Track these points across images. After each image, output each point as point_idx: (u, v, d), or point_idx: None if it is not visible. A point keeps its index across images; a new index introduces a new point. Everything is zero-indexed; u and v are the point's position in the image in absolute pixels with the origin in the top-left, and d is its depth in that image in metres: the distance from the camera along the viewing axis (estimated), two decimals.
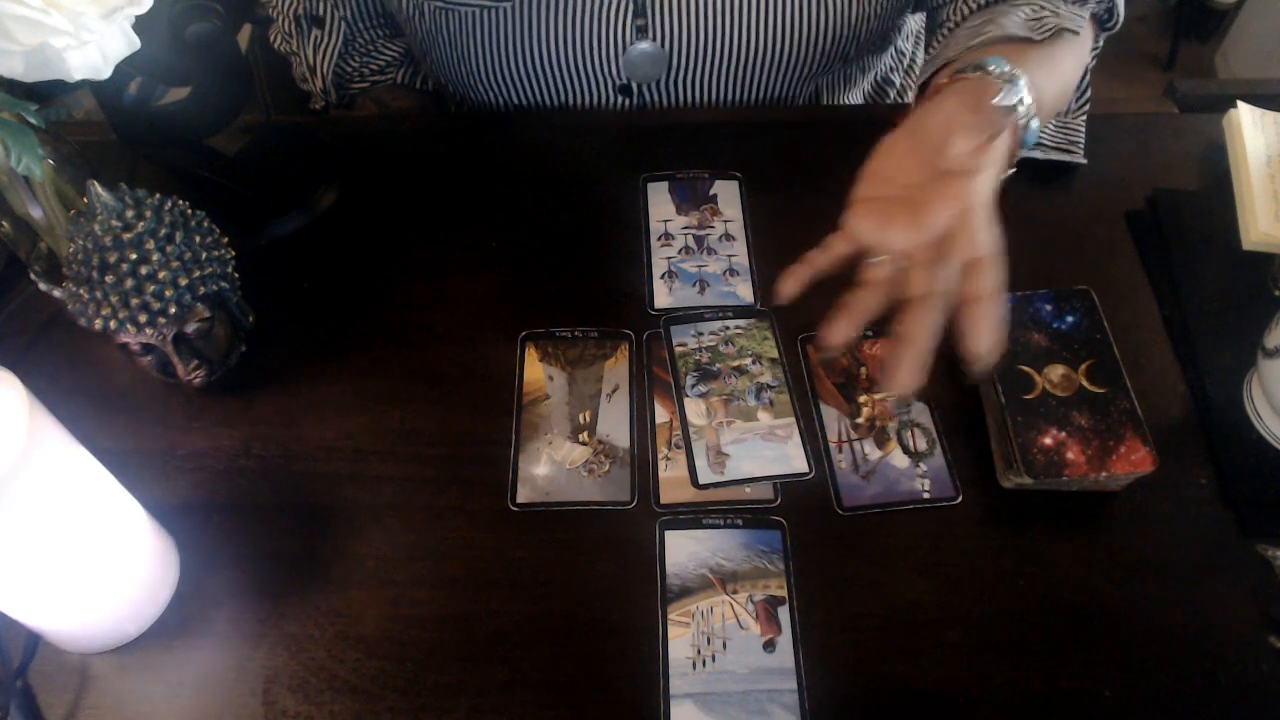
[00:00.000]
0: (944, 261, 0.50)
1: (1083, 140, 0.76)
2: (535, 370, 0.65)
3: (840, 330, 0.53)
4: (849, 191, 0.56)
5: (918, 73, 0.97)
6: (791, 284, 0.55)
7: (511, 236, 0.72)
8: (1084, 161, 0.75)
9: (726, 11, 0.75)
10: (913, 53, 0.94)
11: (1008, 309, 0.62)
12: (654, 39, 0.76)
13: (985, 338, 0.49)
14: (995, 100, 0.56)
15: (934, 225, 0.51)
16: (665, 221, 0.73)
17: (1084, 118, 0.77)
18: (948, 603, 0.55)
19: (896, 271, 0.53)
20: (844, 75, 0.85)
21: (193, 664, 0.54)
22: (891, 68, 0.92)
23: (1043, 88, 0.60)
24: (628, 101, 0.82)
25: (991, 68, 0.58)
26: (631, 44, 0.76)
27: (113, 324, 0.55)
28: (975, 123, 0.55)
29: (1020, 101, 0.57)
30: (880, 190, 0.55)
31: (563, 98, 0.81)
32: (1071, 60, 0.68)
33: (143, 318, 0.55)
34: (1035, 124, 0.59)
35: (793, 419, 0.62)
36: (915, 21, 0.91)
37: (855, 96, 0.90)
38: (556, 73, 0.79)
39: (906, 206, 0.52)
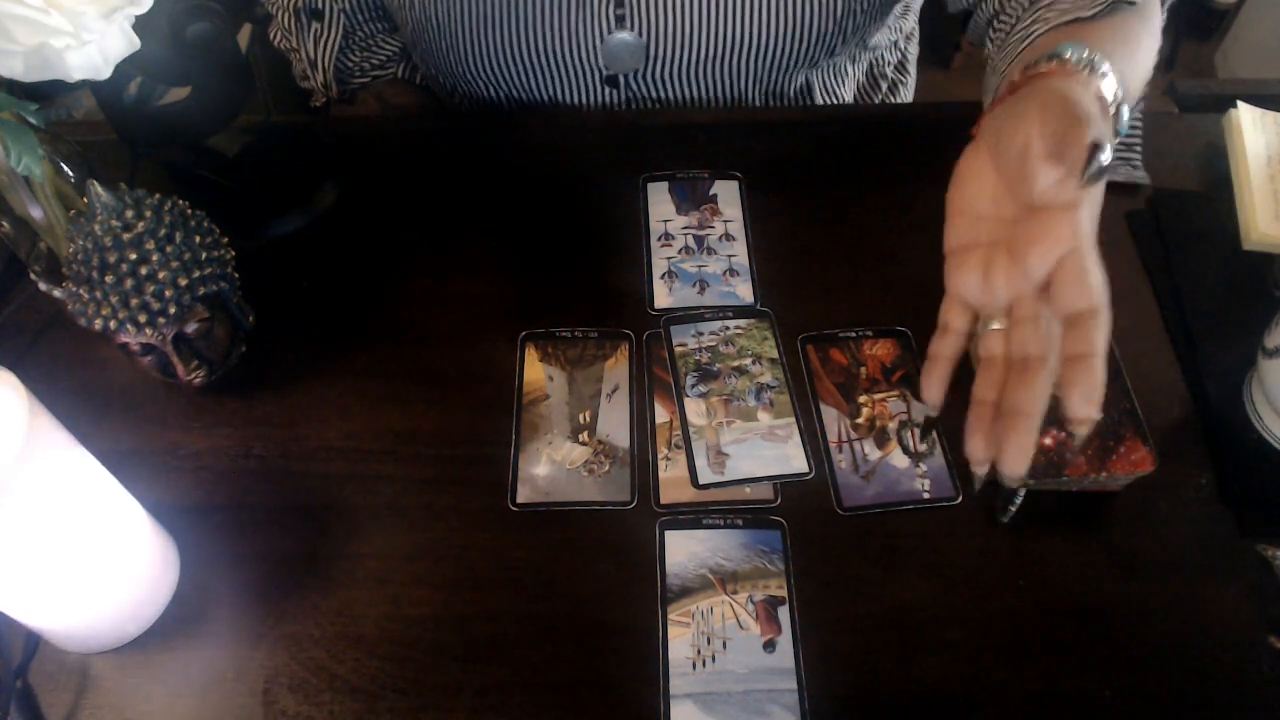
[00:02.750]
0: (1050, 313, 0.45)
1: (1140, 152, 0.73)
2: (535, 370, 0.65)
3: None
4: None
5: (912, 69, 0.97)
6: (936, 388, 0.49)
7: (511, 236, 0.72)
8: (1146, 180, 0.72)
9: (707, 3, 0.75)
10: (905, 47, 0.94)
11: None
12: (633, 29, 0.76)
13: (1090, 399, 0.43)
14: (1082, 89, 0.49)
15: (1038, 270, 0.45)
16: (665, 221, 0.73)
17: (1139, 122, 0.74)
18: (948, 603, 0.55)
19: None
20: (834, 68, 0.85)
21: (193, 664, 0.54)
22: (885, 61, 0.92)
23: (1125, 69, 0.53)
24: (614, 93, 0.82)
25: (1069, 54, 0.50)
26: (610, 33, 0.76)
27: (113, 324, 0.55)
28: (1061, 132, 0.45)
29: (1107, 86, 0.50)
30: (972, 233, 0.49)
31: (549, 88, 0.81)
32: (1145, 36, 0.61)
33: (143, 318, 0.55)
34: (1126, 111, 0.51)
35: (793, 419, 0.62)
36: (909, 21, 0.91)
37: (847, 89, 0.90)
38: (540, 62, 0.79)
39: (1004, 251, 0.46)
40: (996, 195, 0.49)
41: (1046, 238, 0.45)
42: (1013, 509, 0.54)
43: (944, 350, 0.49)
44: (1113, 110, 0.50)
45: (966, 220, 0.49)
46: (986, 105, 0.56)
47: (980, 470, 0.45)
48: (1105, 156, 0.44)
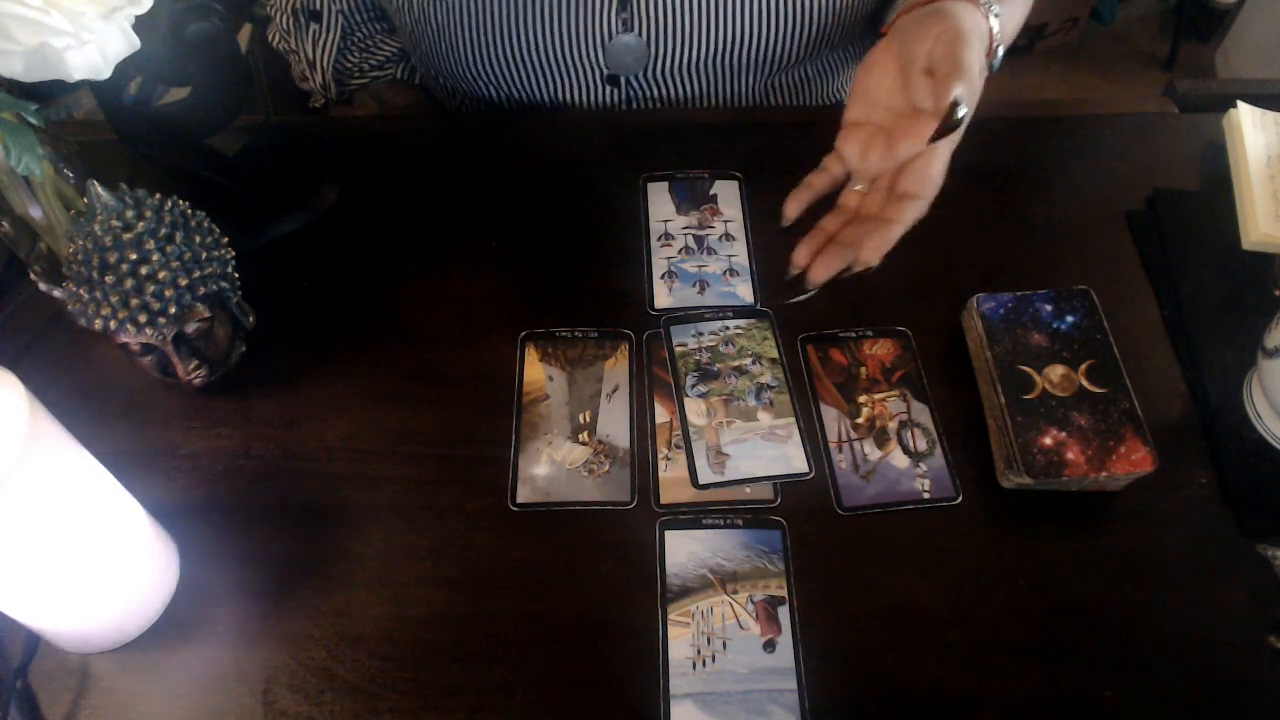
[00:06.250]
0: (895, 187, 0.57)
1: None
2: (535, 370, 0.65)
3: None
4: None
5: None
6: (794, 206, 0.61)
7: (511, 236, 0.72)
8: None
9: (710, 4, 0.75)
10: None
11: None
12: (637, 31, 0.76)
13: (877, 251, 0.57)
14: (976, 22, 0.58)
15: (902, 157, 0.57)
16: (665, 221, 0.73)
17: None
18: (948, 603, 0.55)
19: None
20: (830, 62, 0.86)
21: (193, 664, 0.54)
22: None
23: (1009, 15, 0.63)
24: (614, 92, 0.82)
25: None
26: (614, 36, 0.76)
27: (113, 324, 0.55)
28: (943, 69, 0.55)
29: (994, 25, 0.59)
30: (866, 114, 0.60)
31: (550, 89, 0.82)
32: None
33: (143, 318, 0.55)
34: (1002, 51, 0.61)
35: (793, 419, 0.62)
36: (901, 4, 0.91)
37: (844, 81, 0.90)
38: (542, 63, 0.79)
39: (884, 135, 0.58)
40: (893, 88, 0.59)
41: (916, 136, 0.56)
42: (798, 299, 0.62)
43: (814, 183, 0.62)
44: (996, 46, 0.60)
45: (865, 103, 0.60)
46: (897, 10, 0.65)
47: (794, 270, 0.59)
48: (961, 112, 0.54)
